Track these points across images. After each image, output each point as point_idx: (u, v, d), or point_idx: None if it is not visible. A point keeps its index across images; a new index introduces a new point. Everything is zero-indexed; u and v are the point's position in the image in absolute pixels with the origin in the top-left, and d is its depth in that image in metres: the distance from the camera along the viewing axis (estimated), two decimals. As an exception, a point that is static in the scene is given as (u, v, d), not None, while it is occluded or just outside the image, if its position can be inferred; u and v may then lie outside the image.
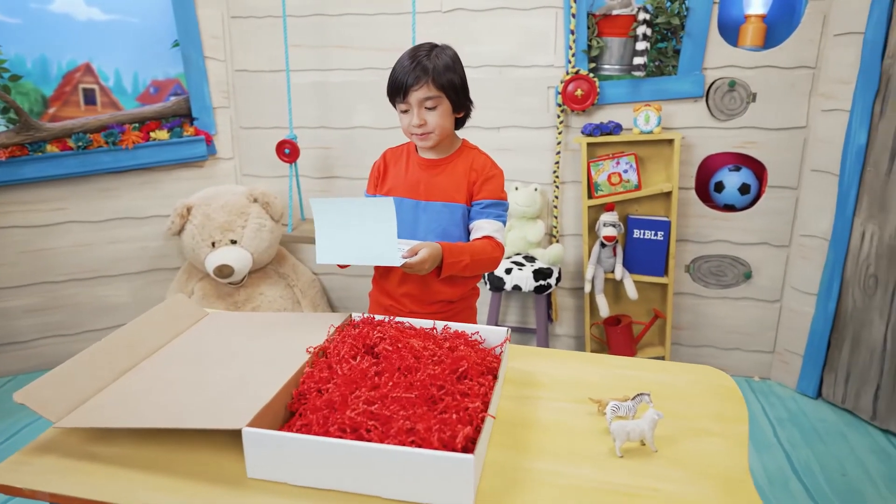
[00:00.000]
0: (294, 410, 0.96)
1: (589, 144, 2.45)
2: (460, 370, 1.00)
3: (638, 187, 2.47)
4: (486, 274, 2.48)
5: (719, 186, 2.51)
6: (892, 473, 2.00)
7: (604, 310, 2.52)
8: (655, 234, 2.47)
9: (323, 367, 1.01)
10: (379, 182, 1.56)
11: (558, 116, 2.52)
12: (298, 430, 0.89)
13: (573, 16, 2.38)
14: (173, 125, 2.68)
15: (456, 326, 1.18)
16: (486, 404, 0.92)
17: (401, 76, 1.36)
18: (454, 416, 0.88)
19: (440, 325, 1.19)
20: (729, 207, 2.52)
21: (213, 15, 2.67)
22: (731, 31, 2.40)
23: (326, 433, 0.86)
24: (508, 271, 2.43)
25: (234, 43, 2.73)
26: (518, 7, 2.47)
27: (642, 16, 2.32)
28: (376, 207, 1.20)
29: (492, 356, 1.08)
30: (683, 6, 2.32)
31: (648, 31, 2.33)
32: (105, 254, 2.71)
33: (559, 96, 2.48)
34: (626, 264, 2.52)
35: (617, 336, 2.56)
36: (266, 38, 2.68)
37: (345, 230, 1.23)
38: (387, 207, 1.18)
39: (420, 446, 0.82)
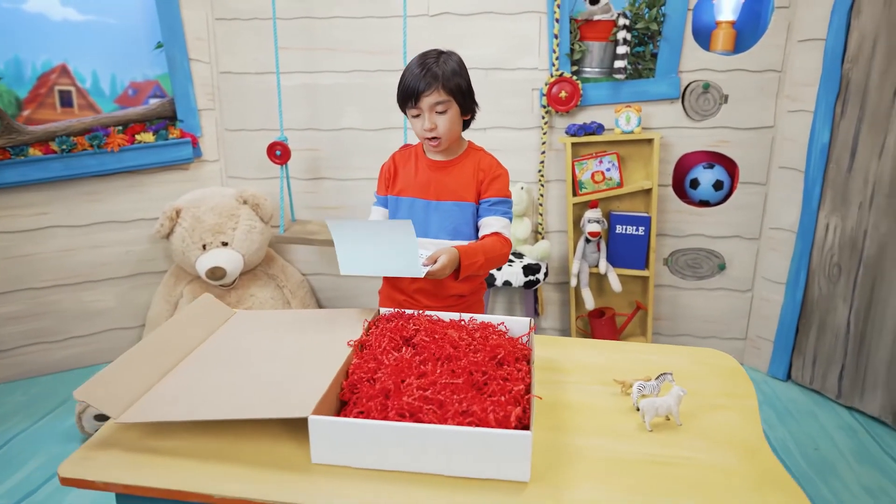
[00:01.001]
0: (346, 400, 1.01)
1: (573, 144, 2.56)
2: (498, 357, 1.07)
3: (620, 185, 2.58)
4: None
5: (694, 183, 2.65)
6: (858, 447, 2.17)
7: (589, 303, 2.64)
8: (637, 230, 2.60)
9: (369, 359, 1.07)
10: (390, 183, 1.63)
11: (543, 117, 2.61)
12: (357, 417, 0.94)
13: (557, 21, 2.48)
14: (158, 128, 2.66)
15: (482, 318, 1.25)
16: (527, 387, 0.99)
17: (412, 83, 1.43)
18: (502, 398, 0.95)
19: (466, 316, 1.26)
20: (704, 203, 2.67)
21: (197, 17, 2.67)
22: (703, 37, 2.54)
23: (386, 418, 0.92)
24: (498, 268, 2.51)
25: (218, 45, 2.73)
26: (503, 12, 2.55)
27: (622, 21, 2.44)
28: (395, 229, 1.23)
29: (521, 345, 1.16)
30: (660, 13, 2.44)
31: (628, 36, 2.44)
32: (89, 258, 2.67)
33: (544, 98, 2.58)
34: (609, 258, 2.64)
35: (601, 328, 2.67)
36: (252, 40, 2.69)
37: (364, 245, 1.26)
38: (406, 229, 1.20)
39: (477, 426, 0.89)
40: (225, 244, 2.54)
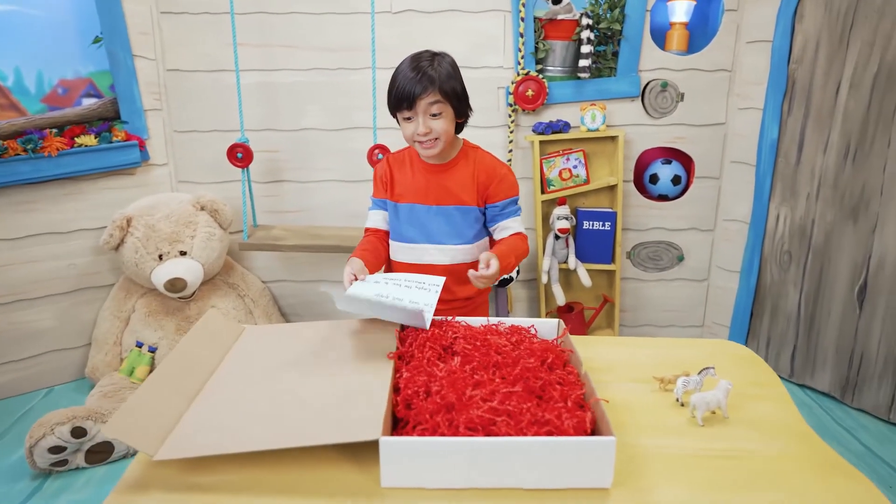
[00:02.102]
0: (400, 417, 0.96)
1: (541, 142, 2.58)
2: (548, 361, 1.05)
3: (587, 181, 2.64)
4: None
5: (654, 178, 2.75)
6: (812, 420, 2.32)
7: (560, 298, 2.68)
8: (603, 225, 2.66)
9: (418, 372, 1.02)
10: (388, 188, 1.58)
11: (509, 116, 2.62)
12: (421, 434, 0.90)
13: (522, 19, 2.49)
14: (100, 130, 2.45)
15: (510, 321, 1.23)
16: (588, 390, 0.98)
17: (407, 86, 1.37)
18: (567, 403, 0.94)
19: (494, 320, 1.23)
20: (662, 197, 2.77)
21: (140, 10, 2.47)
22: (659, 38, 2.64)
23: (456, 433, 0.88)
24: (473, 267, 2.50)
25: (165, 40, 2.54)
26: (467, 10, 2.54)
27: (585, 21, 2.48)
28: (409, 313, 1.17)
29: (558, 347, 1.15)
30: (622, 13, 2.51)
31: (592, 36, 2.49)
32: (24, 275, 2.41)
33: (510, 96, 2.58)
34: (577, 254, 2.69)
35: (571, 322, 2.72)
36: (202, 36, 2.53)
37: (375, 308, 1.21)
38: (419, 318, 1.16)
39: (554, 434, 0.87)
40: (183, 253, 2.38)
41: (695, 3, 2.59)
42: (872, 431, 2.26)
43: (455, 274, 1.50)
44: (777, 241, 2.59)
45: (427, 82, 1.38)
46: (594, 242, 2.69)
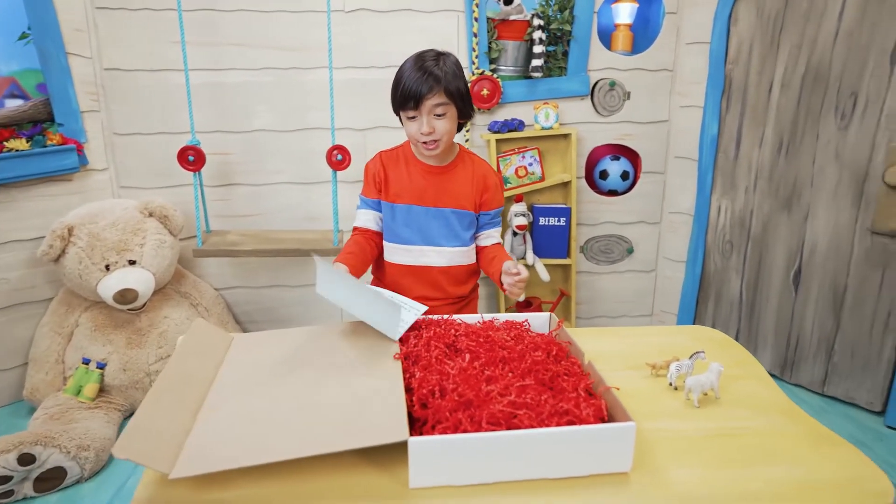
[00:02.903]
0: (417, 417, 0.95)
1: (497, 140, 2.62)
2: (553, 353, 1.08)
3: (542, 179, 2.70)
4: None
5: (604, 174, 2.85)
6: (762, 398, 2.49)
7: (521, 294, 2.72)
8: (559, 220, 2.73)
9: (429, 371, 1.02)
10: (382, 186, 1.54)
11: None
12: (443, 432, 0.90)
13: (476, 20, 2.52)
14: (33, 133, 2.28)
15: (505, 316, 1.25)
16: (595, 379, 1.02)
17: (413, 85, 1.37)
18: (580, 393, 0.97)
19: (488, 316, 1.25)
20: (612, 192, 2.88)
21: (73, 4, 2.32)
22: (605, 39, 2.74)
23: (479, 429, 0.89)
24: (435, 266, 2.51)
25: (101, 37, 2.40)
26: (421, 9, 2.54)
27: (537, 21, 2.54)
28: (385, 306, 1.13)
29: (555, 339, 1.17)
30: (571, 14, 2.59)
31: (544, 37, 2.56)
32: (-50, 292, 2.22)
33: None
34: (534, 250, 2.75)
35: (530, 316, 2.77)
36: (142, 34, 2.40)
37: (348, 291, 1.17)
38: (395, 312, 1.12)
39: (575, 423, 0.89)
40: (132, 263, 2.26)
41: (637, 5, 2.71)
42: (810, 404, 2.44)
43: (451, 275, 1.52)
44: (719, 231, 2.74)
45: (433, 82, 1.37)
46: (550, 238, 2.76)
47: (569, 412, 0.91)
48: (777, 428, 1.03)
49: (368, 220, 1.57)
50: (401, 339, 1.15)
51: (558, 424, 0.89)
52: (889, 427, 2.27)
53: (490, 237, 1.58)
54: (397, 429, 0.86)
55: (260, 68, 2.50)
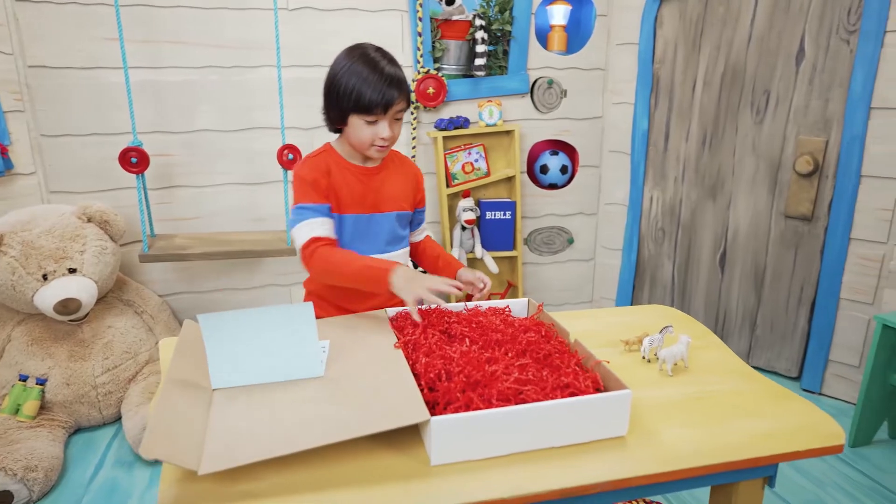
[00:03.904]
0: (427, 400, 1.00)
1: (443, 137, 2.69)
2: (543, 332, 1.15)
3: (487, 174, 2.79)
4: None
5: (544, 169, 2.98)
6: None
7: (470, 286, 2.80)
8: (504, 214, 2.84)
9: (432, 357, 1.06)
10: (330, 194, 1.38)
11: (412, 113, 2.69)
12: (455, 411, 0.95)
13: (420, 19, 2.57)
14: (-49, 135, 2.12)
15: (487, 304, 1.32)
16: (584, 355, 1.10)
17: (381, 91, 1.26)
18: (575, 367, 1.05)
19: (471, 304, 1.31)
20: (552, 186, 3.02)
21: (-8, -3, 2.17)
22: (542, 39, 2.86)
23: (490, 406, 0.95)
24: (389, 262, 2.54)
25: (24, 33, 2.26)
26: (365, 9, 2.56)
27: (479, 22, 2.63)
28: (291, 314, 1.03)
29: (544, 322, 1.25)
30: (510, 15, 2.69)
31: (486, 36, 2.64)
32: None
33: (412, 94, 2.65)
34: (482, 243, 2.84)
35: (480, 308, 2.86)
36: (69, 29, 2.28)
37: (249, 345, 1.02)
38: (305, 315, 1.04)
39: (577, 395, 0.97)
40: (72, 271, 2.15)
41: (570, 7, 2.85)
42: (738, 375, 2.67)
43: None
44: (652, 220, 2.94)
45: (399, 84, 1.29)
46: (497, 231, 2.85)
47: (570, 385, 0.99)
48: (741, 388, 1.16)
49: (327, 229, 1.35)
50: (397, 328, 1.19)
51: (562, 397, 0.97)
52: (805, 390, 2.53)
53: (422, 231, 1.56)
54: (417, 410, 0.90)
55: (201, 67, 2.43)
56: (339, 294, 1.45)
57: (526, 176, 2.94)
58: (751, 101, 2.53)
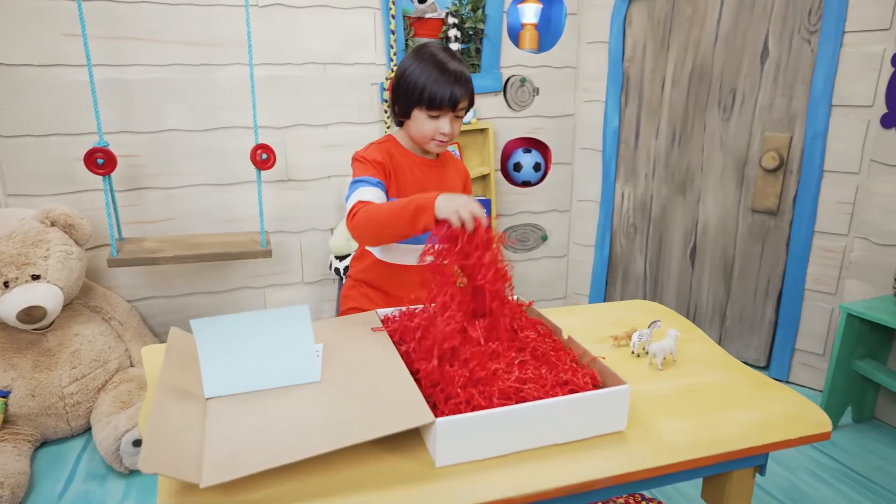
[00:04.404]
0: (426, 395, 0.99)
1: (418, 137, 2.67)
2: (539, 329, 1.16)
3: (462, 172, 2.79)
4: (342, 268, 2.53)
5: (517, 166, 3.00)
6: (669, 364, 2.76)
7: (447, 285, 2.80)
8: (480, 212, 2.83)
9: (429, 359, 1.05)
10: (390, 176, 1.41)
11: (385, 111, 2.67)
12: (455, 407, 0.94)
13: (393, 17, 2.55)
14: None
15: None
16: (579, 352, 1.11)
17: (449, 89, 1.32)
18: (572, 364, 1.05)
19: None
20: (526, 183, 3.04)
21: (-57, -9, 2.06)
22: (514, 37, 2.88)
23: (491, 405, 0.95)
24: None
25: (-22, 29, 2.15)
26: (337, 6, 2.52)
27: (451, 20, 2.62)
28: (287, 317, 1.00)
29: (533, 319, 1.26)
30: (483, 13, 2.69)
31: (459, 34, 2.64)
32: None
33: (385, 92, 2.63)
34: (458, 241, 2.84)
35: (457, 306, 2.86)
36: (27, 25, 2.19)
37: (243, 351, 0.99)
38: (301, 317, 1.00)
39: (577, 392, 0.98)
40: (36, 277, 2.06)
41: (541, 6, 2.87)
42: (709, 366, 2.74)
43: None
44: (623, 215, 2.99)
45: (466, 82, 1.35)
46: (472, 229, 2.85)
47: (569, 382, 0.99)
48: (728, 380, 1.19)
49: (376, 196, 1.34)
50: (384, 321, 1.18)
51: (562, 393, 0.97)
52: (774, 379, 2.61)
53: None
54: (421, 412, 0.89)
55: (168, 64, 2.36)
56: (386, 277, 1.49)
57: (500, 174, 2.95)
58: (718, 99, 2.59)
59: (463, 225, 1.12)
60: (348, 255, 2.59)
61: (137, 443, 1.94)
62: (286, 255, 2.68)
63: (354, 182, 1.36)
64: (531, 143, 3.03)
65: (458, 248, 1.12)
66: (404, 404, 0.92)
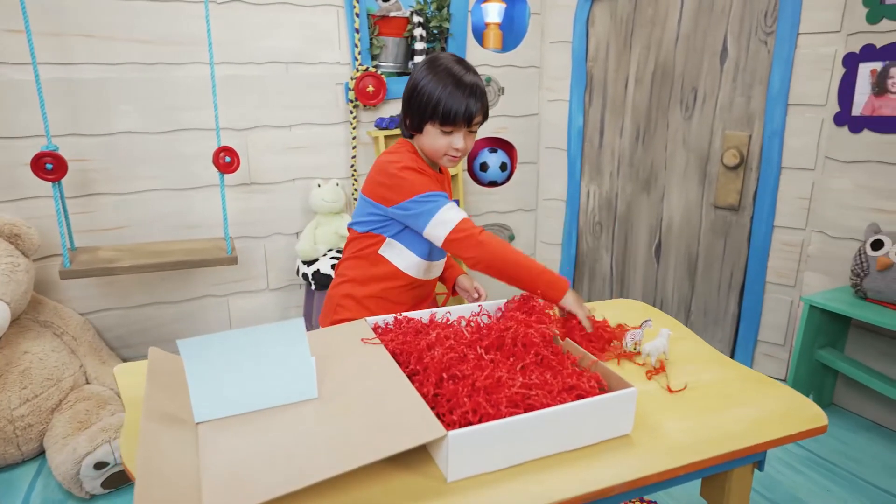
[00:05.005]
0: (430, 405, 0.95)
1: (385, 137, 2.62)
2: (540, 332, 1.14)
3: (430, 173, 2.75)
4: (310, 273, 2.46)
5: (484, 166, 2.99)
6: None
7: (417, 287, 2.76)
8: (448, 213, 2.81)
9: (429, 372, 1.02)
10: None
11: (351, 112, 2.61)
12: (462, 417, 0.91)
13: (357, 15, 2.50)
14: None
15: (458, 309, 1.29)
16: (578, 355, 1.09)
17: (464, 104, 1.27)
18: (573, 368, 1.04)
19: (440, 311, 1.28)
20: (493, 183, 3.03)
21: None
22: (478, 37, 2.86)
23: (499, 413, 0.92)
24: (335, 267, 2.45)
25: None
26: (299, 3, 2.45)
27: (416, 19, 2.58)
28: (280, 332, 0.94)
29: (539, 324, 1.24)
30: (448, 12, 2.66)
31: (424, 33, 2.60)
32: None
33: (350, 92, 2.57)
34: (427, 243, 2.80)
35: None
36: (-35, 20, 2.03)
37: (235, 370, 0.93)
38: (295, 329, 0.95)
39: (584, 397, 0.96)
40: (-20, 293, 1.91)
41: (505, 5, 2.87)
42: (676, 360, 2.80)
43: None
44: (589, 213, 3.02)
45: (482, 97, 1.31)
46: (441, 230, 2.82)
47: (575, 386, 0.98)
48: (721, 377, 1.20)
49: (463, 211, 1.34)
50: (378, 332, 1.14)
51: (570, 399, 0.96)
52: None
53: None
54: (430, 426, 0.86)
55: (120, 63, 2.24)
56: (404, 291, 1.45)
57: (466, 174, 2.93)
58: (680, 98, 2.65)
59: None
60: (316, 259, 2.52)
61: (100, 465, 1.83)
62: (250, 261, 2.59)
63: (429, 196, 1.29)
64: (497, 143, 3.03)
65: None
66: (412, 418, 0.88)
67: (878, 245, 2.08)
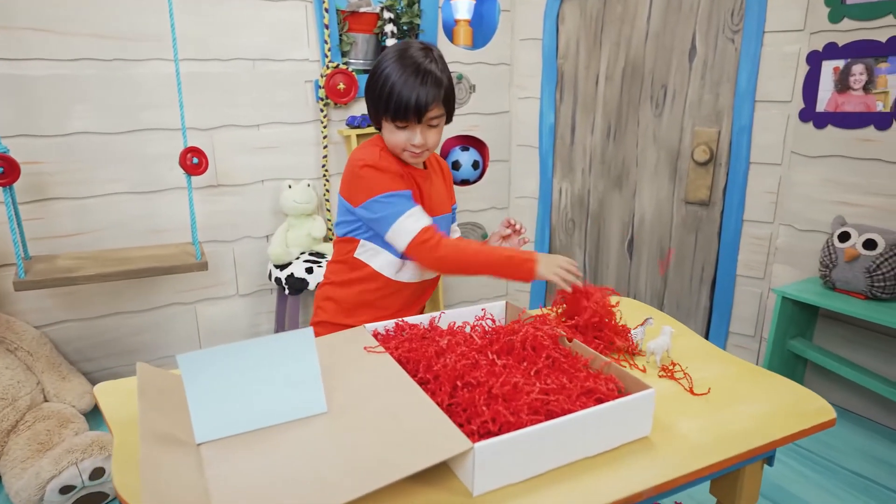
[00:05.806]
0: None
1: (356, 135, 2.56)
2: (551, 335, 1.11)
3: (404, 172, 2.70)
4: (283, 277, 2.38)
5: (456, 165, 2.95)
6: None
7: (393, 289, 2.71)
8: (422, 213, 2.76)
9: (441, 381, 0.97)
10: (413, 188, 1.31)
11: (321, 110, 2.53)
12: (482, 427, 0.88)
13: (326, 11, 2.42)
14: None
15: (459, 312, 1.25)
16: (590, 356, 1.07)
17: (419, 94, 1.19)
18: (586, 370, 1.02)
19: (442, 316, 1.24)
20: (465, 182, 3.00)
21: None
22: (448, 33, 2.82)
23: (520, 420, 0.88)
24: (309, 270, 2.38)
25: None
26: (265, -3, 2.36)
27: (387, 14, 2.53)
28: (287, 344, 0.90)
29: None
30: (419, 8, 2.62)
31: (395, 30, 2.55)
32: None
33: (320, 90, 2.49)
34: (401, 244, 2.75)
35: (403, 310, 2.78)
36: None
37: (238, 386, 0.87)
38: (304, 339, 0.90)
39: (604, 401, 0.94)
40: (-74, 308, 1.76)
41: (474, 2, 2.84)
42: (650, 354, 2.83)
43: (434, 282, 1.47)
44: (562, 211, 3.03)
45: (435, 89, 1.21)
46: (415, 230, 2.78)
47: (594, 390, 0.95)
48: (724, 372, 1.20)
49: (428, 217, 1.28)
50: (385, 344, 1.09)
51: (590, 403, 0.93)
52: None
53: (455, 230, 1.51)
54: (454, 438, 0.82)
55: (74, 59, 2.10)
56: (387, 294, 1.39)
57: (440, 173, 2.89)
58: (650, 95, 2.68)
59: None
60: (289, 263, 2.43)
61: (65, 489, 1.71)
62: (219, 266, 2.48)
63: (390, 197, 1.23)
64: (469, 141, 3.00)
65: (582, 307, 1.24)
66: (432, 431, 0.84)
67: (844, 237, 2.15)
